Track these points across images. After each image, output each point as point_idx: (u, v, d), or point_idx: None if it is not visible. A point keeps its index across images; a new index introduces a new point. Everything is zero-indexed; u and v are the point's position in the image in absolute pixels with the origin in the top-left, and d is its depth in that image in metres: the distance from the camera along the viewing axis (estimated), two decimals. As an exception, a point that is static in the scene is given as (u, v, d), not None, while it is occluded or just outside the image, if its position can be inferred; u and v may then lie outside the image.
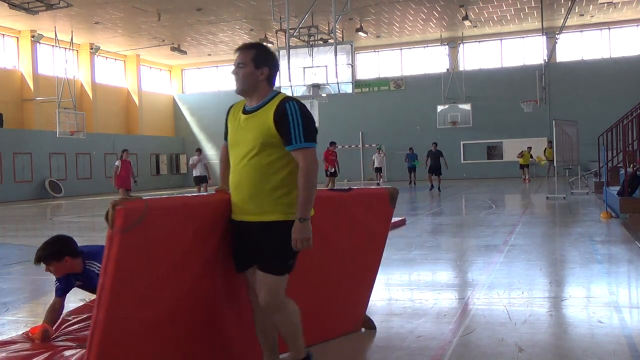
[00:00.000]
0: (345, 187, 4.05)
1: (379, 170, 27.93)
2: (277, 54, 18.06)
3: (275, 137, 3.00)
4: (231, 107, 3.30)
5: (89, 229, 13.83)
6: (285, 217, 3.04)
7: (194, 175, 19.41)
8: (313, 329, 3.70)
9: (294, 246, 3.02)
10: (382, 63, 35.03)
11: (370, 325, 4.40)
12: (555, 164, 16.94)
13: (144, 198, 2.83)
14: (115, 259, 2.69)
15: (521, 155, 27.04)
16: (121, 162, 15.96)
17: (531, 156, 27.11)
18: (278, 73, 3.26)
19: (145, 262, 2.84)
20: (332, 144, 20.72)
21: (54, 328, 4.00)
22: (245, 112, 3.15)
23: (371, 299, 5.63)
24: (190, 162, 19.57)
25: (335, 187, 3.95)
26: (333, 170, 20.14)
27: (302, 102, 3.11)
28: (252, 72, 3.09)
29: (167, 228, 2.90)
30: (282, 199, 3.05)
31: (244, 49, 3.15)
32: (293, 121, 2.97)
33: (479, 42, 33.28)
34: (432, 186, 22.16)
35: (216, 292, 3.25)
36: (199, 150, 19.72)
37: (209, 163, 22.27)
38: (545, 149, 26.82)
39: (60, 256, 3.79)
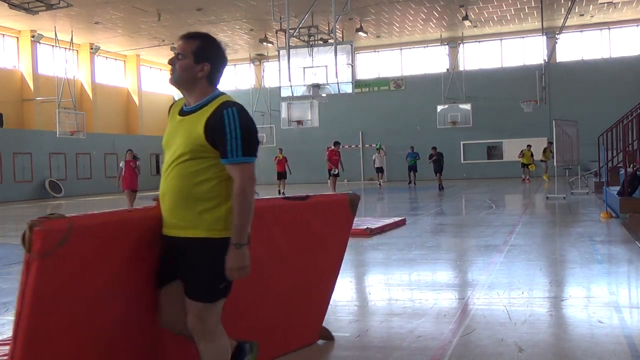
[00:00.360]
0: (303, 195, 3.79)
1: (380, 170, 27.87)
2: (278, 53, 18.19)
3: (205, 145, 2.59)
4: (172, 104, 2.89)
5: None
6: (209, 234, 2.63)
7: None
8: (269, 343, 3.59)
9: (229, 276, 2.62)
10: (382, 63, 35.01)
11: (327, 335, 4.16)
12: (555, 164, 16.93)
13: (67, 216, 2.47)
14: (34, 287, 2.33)
15: (522, 154, 27.02)
16: (125, 163, 15.62)
17: (532, 154, 27.06)
18: (224, 71, 2.80)
19: (70, 288, 2.47)
20: (337, 144, 20.63)
21: None
22: (182, 112, 2.75)
23: (371, 299, 5.67)
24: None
25: (291, 195, 3.76)
26: (336, 172, 20.00)
27: (248, 106, 2.70)
28: (190, 67, 2.67)
29: (96, 249, 2.54)
30: (207, 213, 2.62)
31: (186, 37, 2.73)
32: (230, 132, 2.54)
33: (479, 42, 33.26)
34: (441, 187, 22.61)
35: (155, 314, 2.89)
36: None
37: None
38: (545, 149, 26.74)
39: None
